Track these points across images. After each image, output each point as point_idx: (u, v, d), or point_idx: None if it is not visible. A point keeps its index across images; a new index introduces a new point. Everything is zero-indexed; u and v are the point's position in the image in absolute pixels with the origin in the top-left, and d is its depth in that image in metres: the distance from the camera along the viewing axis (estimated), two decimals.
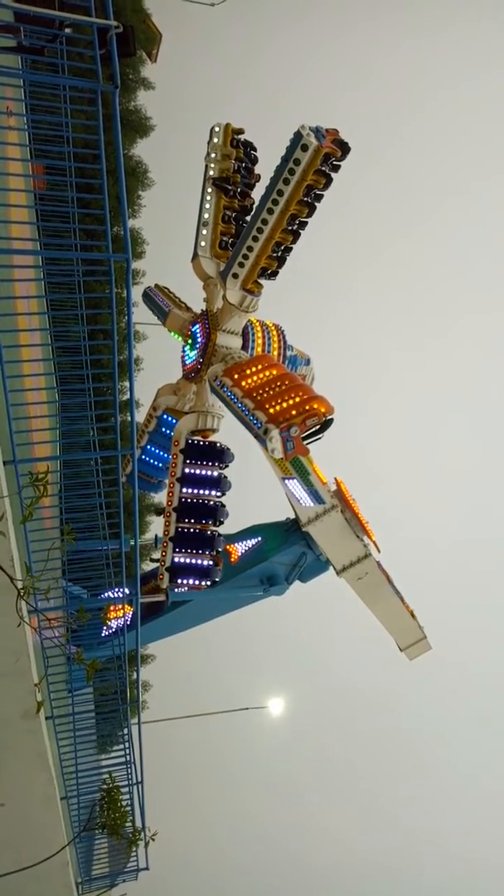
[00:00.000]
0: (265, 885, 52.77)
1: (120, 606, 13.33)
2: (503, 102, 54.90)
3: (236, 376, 13.49)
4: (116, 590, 12.86)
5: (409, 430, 56.44)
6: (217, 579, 14.33)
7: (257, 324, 16.59)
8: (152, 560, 16.40)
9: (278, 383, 12.95)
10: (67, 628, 10.12)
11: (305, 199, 12.44)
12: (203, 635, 19.04)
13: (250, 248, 13.30)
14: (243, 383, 13.29)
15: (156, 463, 17.47)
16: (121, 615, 13.87)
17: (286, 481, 15.57)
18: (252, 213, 13.70)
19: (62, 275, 15.01)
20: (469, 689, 54.01)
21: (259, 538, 17.71)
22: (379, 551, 16.51)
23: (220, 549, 14.15)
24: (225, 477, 14.15)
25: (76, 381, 15.44)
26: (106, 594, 14.20)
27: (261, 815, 54.26)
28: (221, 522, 14.16)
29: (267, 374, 13.40)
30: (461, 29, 52.46)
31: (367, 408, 54.37)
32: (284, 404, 12.36)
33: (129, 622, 13.19)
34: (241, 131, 15.42)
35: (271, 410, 12.31)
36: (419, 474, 56.05)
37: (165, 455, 16.24)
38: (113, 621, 14.10)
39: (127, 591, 11.97)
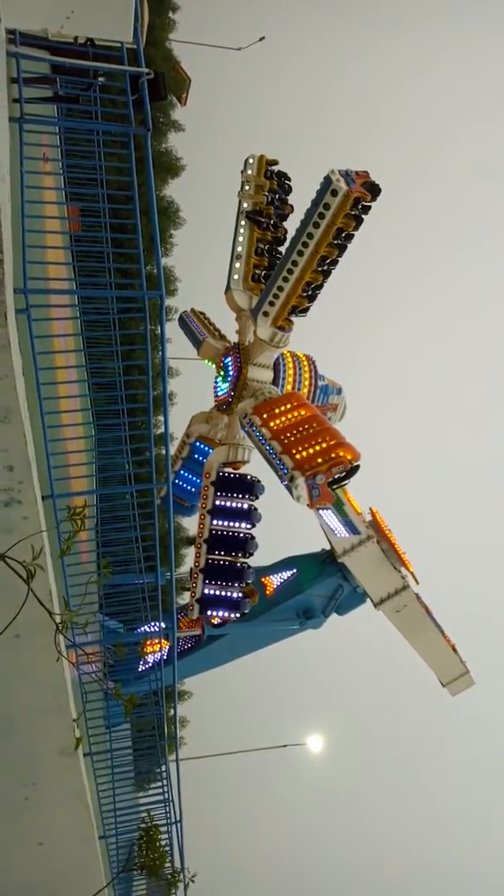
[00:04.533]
0: None
1: (157, 640, 13.29)
2: None
3: (265, 416, 13.52)
4: (153, 624, 12.85)
5: (447, 461, 55.70)
6: (247, 611, 14.27)
7: (289, 356, 16.69)
8: (186, 590, 16.41)
9: (306, 426, 12.91)
10: (105, 663, 10.10)
11: (335, 241, 12.53)
12: (242, 670, 18.84)
13: (280, 289, 13.42)
14: (272, 424, 13.30)
15: (189, 487, 17.63)
16: (157, 649, 13.85)
17: (320, 512, 15.49)
18: (284, 251, 13.86)
19: (98, 313, 15.34)
20: None
21: (294, 570, 17.58)
22: (417, 583, 16.25)
23: (249, 581, 14.12)
24: (255, 509, 14.17)
25: (112, 416, 15.66)
26: (143, 628, 14.20)
27: (300, 856, 52.91)
28: (251, 554, 14.15)
29: (295, 414, 13.37)
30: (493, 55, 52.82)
31: (407, 436, 53.92)
32: (311, 450, 12.28)
33: (165, 657, 13.15)
34: (275, 162, 15.64)
35: (297, 457, 12.24)
36: (459, 505, 55.12)
37: (198, 480, 16.37)
38: (150, 655, 14.08)
39: (163, 624, 11.95)
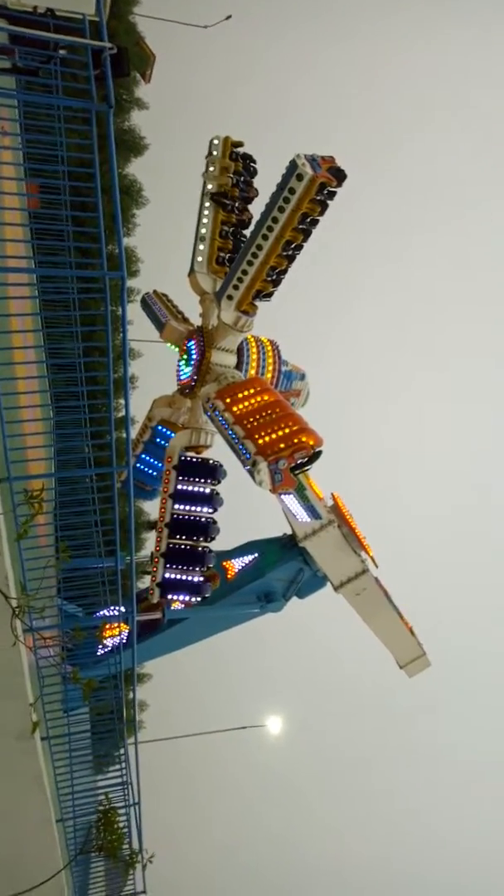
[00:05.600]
0: None
1: (116, 625, 13.23)
2: None
3: (228, 400, 13.49)
4: (112, 608, 12.79)
5: (410, 443, 56.31)
6: (208, 595, 14.32)
7: (252, 341, 16.64)
8: (146, 574, 16.37)
9: (269, 411, 12.92)
10: (63, 647, 10.03)
11: (300, 225, 12.49)
12: (201, 653, 18.90)
13: (245, 272, 13.35)
14: (234, 408, 13.28)
15: (150, 471, 17.49)
16: (117, 634, 13.80)
17: (282, 496, 15.56)
18: (248, 235, 13.77)
19: (57, 292, 15.04)
20: (472, 698, 53.63)
21: (256, 554, 17.66)
22: (377, 566, 16.48)
23: (210, 566, 14.16)
24: (217, 493, 14.19)
25: (71, 399, 15.44)
26: (101, 612, 14.12)
27: (260, 837, 53.59)
28: (213, 539, 14.20)
29: (259, 399, 13.36)
30: (465, 38, 52.84)
31: (366, 421, 54.26)
32: (274, 435, 12.29)
33: (125, 641, 13.11)
34: (240, 144, 15.50)
35: (260, 441, 12.25)
36: (420, 487, 55.85)
37: (159, 464, 16.28)
38: (109, 640, 14.02)
39: (123, 609, 11.90)
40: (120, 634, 12.66)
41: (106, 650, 14.41)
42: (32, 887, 9.37)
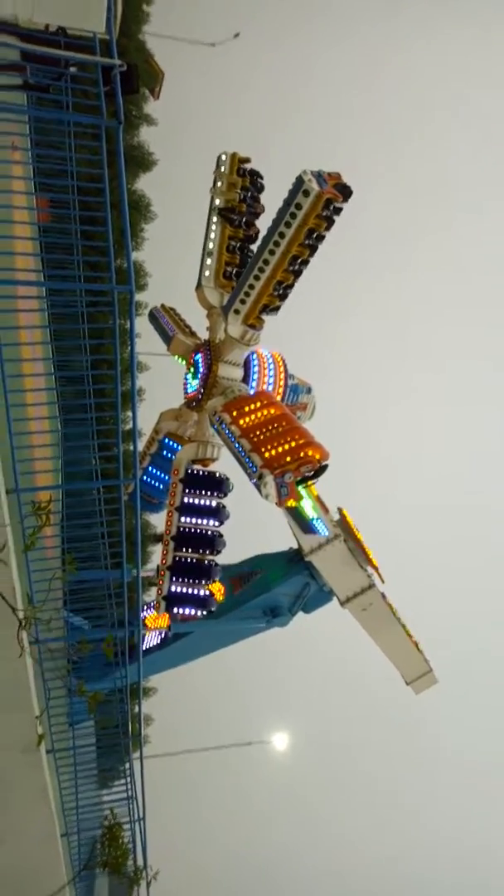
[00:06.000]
0: None
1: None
2: None
3: (235, 413, 13.52)
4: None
5: (416, 453, 56.19)
6: (213, 609, 14.28)
7: (259, 354, 16.70)
8: (152, 586, 16.36)
9: (275, 424, 12.94)
10: (69, 660, 10.01)
11: (307, 241, 12.57)
12: (208, 667, 18.82)
13: (252, 287, 13.41)
14: (241, 421, 13.31)
15: (157, 484, 17.51)
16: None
17: (288, 510, 15.55)
18: (255, 250, 13.86)
19: (66, 306, 15.14)
20: (481, 710, 53.16)
21: (262, 568, 17.61)
22: (383, 582, 16.40)
23: (216, 579, 14.12)
24: (224, 507, 14.17)
25: (79, 411, 15.50)
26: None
27: (266, 854, 53.04)
28: (219, 552, 14.16)
29: (265, 412, 13.40)
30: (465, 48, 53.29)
31: (371, 432, 54.21)
32: (280, 449, 12.31)
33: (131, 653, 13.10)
34: (247, 160, 15.63)
35: (266, 455, 12.28)
36: (430, 504, 55.66)
37: (166, 477, 16.31)
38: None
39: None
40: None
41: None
42: None
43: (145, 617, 16.10)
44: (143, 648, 14.24)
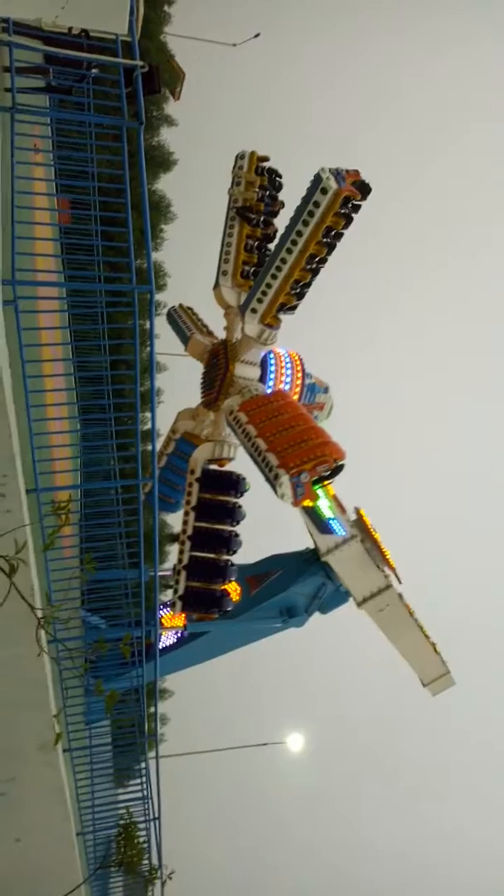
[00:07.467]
0: None
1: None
2: None
3: (251, 413, 13.51)
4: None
5: (438, 457, 55.81)
6: (229, 608, 14.28)
7: (277, 353, 16.68)
8: (169, 587, 16.40)
9: (292, 424, 12.91)
10: (86, 659, 10.04)
11: (325, 239, 12.52)
12: (224, 666, 18.82)
13: (269, 286, 13.40)
14: (257, 421, 13.29)
15: (174, 482, 17.55)
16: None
17: (305, 510, 15.51)
18: (273, 248, 13.84)
19: (86, 306, 15.20)
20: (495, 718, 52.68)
21: (278, 568, 17.58)
22: (400, 582, 16.30)
23: (233, 579, 14.12)
24: (239, 506, 14.16)
25: (98, 411, 15.56)
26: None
27: (282, 855, 52.99)
28: (235, 552, 14.15)
29: (282, 412, 13.37)
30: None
31: (393, 433, 53.90)
32: (297, 449, 12.28)
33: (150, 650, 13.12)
34: (266, 158, 15.63)
35: (283, 455, 12.26)
36: (448, 506, 55.25)
37: (183, 477, 16.34)
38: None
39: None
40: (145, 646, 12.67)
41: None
42: None
43: (162, 616, 16.11)
44: (160, 648, 14.25)
